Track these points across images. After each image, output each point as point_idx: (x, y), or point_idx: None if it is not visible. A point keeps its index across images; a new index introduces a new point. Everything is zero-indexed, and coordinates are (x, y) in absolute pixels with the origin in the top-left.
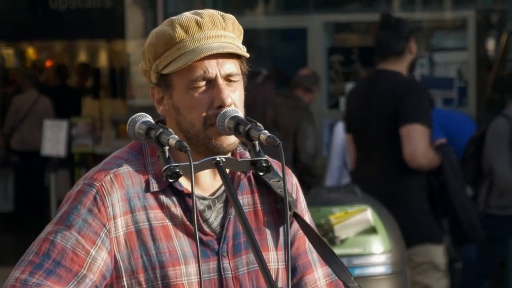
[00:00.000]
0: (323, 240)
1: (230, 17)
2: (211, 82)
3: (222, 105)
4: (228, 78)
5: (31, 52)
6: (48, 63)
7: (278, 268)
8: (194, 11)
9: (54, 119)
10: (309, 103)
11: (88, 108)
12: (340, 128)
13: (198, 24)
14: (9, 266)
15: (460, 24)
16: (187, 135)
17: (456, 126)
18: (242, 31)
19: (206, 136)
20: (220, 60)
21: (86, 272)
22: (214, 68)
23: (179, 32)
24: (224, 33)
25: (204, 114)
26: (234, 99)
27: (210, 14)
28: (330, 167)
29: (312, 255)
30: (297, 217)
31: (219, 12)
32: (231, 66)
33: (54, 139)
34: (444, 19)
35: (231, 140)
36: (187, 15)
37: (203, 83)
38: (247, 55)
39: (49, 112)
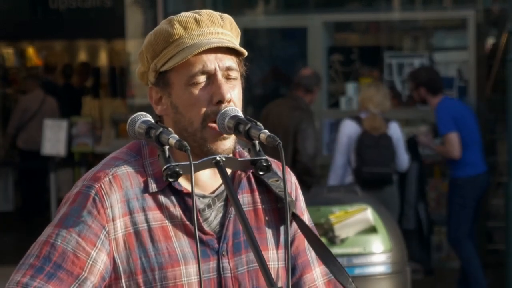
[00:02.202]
0: (321, 241)
1: (228, 17)
2: (210, 78)
3: (221, 100)
4: (227, 73)
5: (31, 51)
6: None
7: (278, 267)
8: (192, 10)
9: (54, 119)
10: (310, 104)
11: (88, 107)
12: (346, 126)
13: (197, 21)
14: (9, 266)
15: (460, 24)
16: (184, 134)
17: (463, 119)
18: (239, 32)
19: (202, 136)
20: (219, 55)
21: (87, 275)
22: (213, 62)
23: (178, 29)
24: (222, 30)
25: (203, 111)
26: (233, 96)
27: (208, 12)
28: (334, 164)
29: (310, 253)
30: (296, 217)
31: (217, 12)
32: (230, 62)
33: (54, 138)
34: (444, 19)
35: (227, 145)
36: (186, 13)
37: (202, 78)
38: (245, 52)
39: (55, 112)
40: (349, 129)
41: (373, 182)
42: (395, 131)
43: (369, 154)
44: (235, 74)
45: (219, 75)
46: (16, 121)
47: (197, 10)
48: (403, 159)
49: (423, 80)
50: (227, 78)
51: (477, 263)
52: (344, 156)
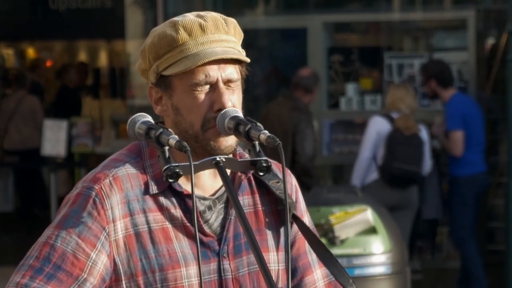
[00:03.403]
0: (322, 242)
1: (232, 21)
2: (212, 86)
3: (222, 109)
4: (228, 83)
5: (31, 52)
6: (49, 63)
7: (278, 269)
8: (197, 13)
9: (54, 119)
10: (309, 104)
11: (88, 108)
12: (376, 122)
13: (202, 28)
14: (9, 267)
15: (460, 24)
16: (185, 136)
17: (472, 117)
18: (242, 35)
19: (204, 137)
20: (222, 65)
21: (86, 276)
22: (215, 72)
23: (182, 35)
24: (226, 37)
25: (203, 115)
26: (234, 102)
27: (213, 17)
28: (360, 158)
29: (311, 255)
30: (296, 219)
31: (221, 15)
32: (233, 72)
33: (54, 139)
34: (444, 19)
35: (229, 142)
36: (191, 18)
37: (205, 86)
38: (248, 60)
39: (35, 111)
40: (378, 125)
41: (400, 179)
42: (423, 134)
43: (400, 151)
44: (237, 83)
45: (221, 84)
46: (1, 122)
47: (202, 14)
48: (427, 163)
49: (433, 72)
50: (228, 86)
51: (480, 262)
52: (371, 151)
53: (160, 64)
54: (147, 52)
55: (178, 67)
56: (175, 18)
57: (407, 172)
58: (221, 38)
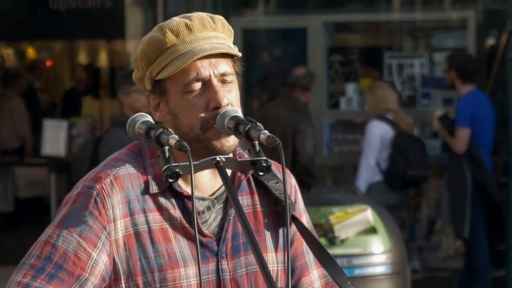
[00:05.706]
0: (320, 243)
1: (220, 18)
2: (206, 84)
3: (218, 106)
4: (222, 78)
5: (31, 52)
6: (49, 63)
7: (277, 270)
8: (183, 15)
9: (54, 119)
10: (306, 103)
11: (88, 108)
12: (377, 127)
13: (188, 27)
14: (9, 266)
15: (460, 24)
16: (186, 139)
17: (481, 119)
18: (233, 31)
19: (205, 138)
20: (213, 60)
21: (88, 276)
22: (207, 68)
23: (170, 37)
24: (214, 34)
25: (201, 117)
26: (231, 100)
27: (199, 16)
28: (366, 164)
29: (308, 256)
30: (295, 220)
31: (208, 14)
32: (225, 66)
33: (54, 139)
34: (444, 19)
35: (231, 141)
36: (176, 20)
37: (198, 85)
38: (239, 54)
39: (14, 111)
40: (380, 130)
41: (412, 184)
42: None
43: (414, 158)
44: (231, 77)
45: (214, 81)
46: None
47: (188, 15)
48: None
49: (456, 63)
50: (223, 82)
51: (488, 264)
52: (375, 157)
53: (153, 70)
54: (139, 60)
55: (169, 69)
56: (162, 23)
57: (420, 178)
58: (209, 35)
